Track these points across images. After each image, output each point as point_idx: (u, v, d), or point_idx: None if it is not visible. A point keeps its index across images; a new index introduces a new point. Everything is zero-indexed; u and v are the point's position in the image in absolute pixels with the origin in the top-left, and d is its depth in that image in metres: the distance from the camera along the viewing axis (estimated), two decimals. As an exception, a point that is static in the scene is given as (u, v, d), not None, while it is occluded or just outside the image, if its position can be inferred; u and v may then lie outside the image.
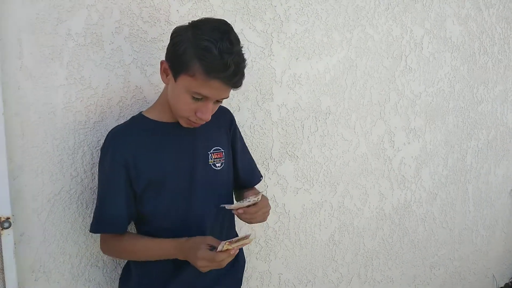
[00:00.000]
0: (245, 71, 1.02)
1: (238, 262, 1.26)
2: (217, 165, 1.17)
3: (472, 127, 2.46)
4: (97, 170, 1.12)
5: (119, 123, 1.23)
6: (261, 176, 1.37)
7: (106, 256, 1.27)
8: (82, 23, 1.15)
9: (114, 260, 1.28)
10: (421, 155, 2.18)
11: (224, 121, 1.24)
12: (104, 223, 1.09)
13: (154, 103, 1.16)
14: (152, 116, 1.12)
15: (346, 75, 1.79)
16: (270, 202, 1.62)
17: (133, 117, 1.15)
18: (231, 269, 1.22)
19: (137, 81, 1.26)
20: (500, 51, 2.54)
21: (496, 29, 2.49)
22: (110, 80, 1.21)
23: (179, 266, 1.10)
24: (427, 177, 2.25)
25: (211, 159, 1.16)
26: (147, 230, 1.13)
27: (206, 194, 1.14)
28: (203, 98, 1.00)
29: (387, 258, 2.14)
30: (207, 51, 0.93)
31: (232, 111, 1.45)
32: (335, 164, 1.82)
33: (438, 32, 2.13)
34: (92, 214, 1.14)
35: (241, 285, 1.27)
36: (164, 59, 1.05)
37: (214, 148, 1.18)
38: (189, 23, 1.00)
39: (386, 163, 2.02)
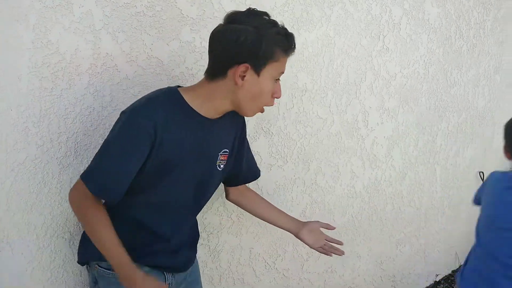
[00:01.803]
0: None
1: (196, 238, 1.34)
2: (221, 166, 1.22)
3: (444, 110, 2.51)
4: (119, 122, 1.05)
5: (88, 91, 1.19)
6: (260, 173, 1.47)
7: (74, 227, 1.24)
8: (50, -17, 1.09)
9: (81, 232, 1.26)
10: (393, 135, 2.22)
11: (237, 124, 1.28)
12: (104, 185, 1.04)
13: (197, 92, 1.11)
14: (191, 102, 1.10)
15: (324, 52, 1.77)
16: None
17: (170, 92, 1.10)
18: (194, 240, 1.32)
19: (108, 48, 1.20)
20: (475, 36, 2.58)
21: (473, 13, 2.51)
22: (79, 45, 1.15)
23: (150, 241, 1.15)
24: (398, 157, 2.29)
25: (218, 160, 1.20)
26: (130, 200, 1.10)
27: (202, 191, 1.21)
28: (278, 79, 1.11)
29: (355, 235, 2.19)
30: (278, 35, 1.05)
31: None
32: (309, 141, 1.83)
33: (417, 14, 2.13)
34: (88, 167, 1.06)
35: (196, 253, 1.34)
36: (228, 63, 1.05)
37: (223, 150, 1.21)
38: (227, 21, 1.06)
39: (359, 142, 2.04)
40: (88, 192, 1.04)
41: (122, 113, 1.06)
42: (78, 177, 1.20)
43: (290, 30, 1.61)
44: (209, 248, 1.61)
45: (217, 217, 1.60)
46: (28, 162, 1.14)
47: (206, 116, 1.12)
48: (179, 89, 1.11)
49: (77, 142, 1.20)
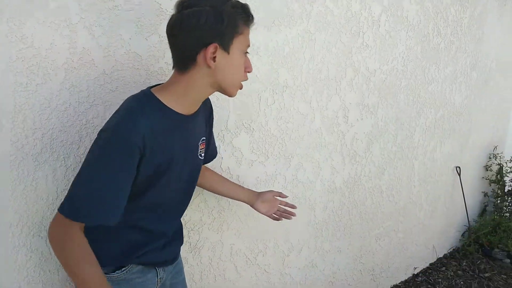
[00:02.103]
0: None
1: (180, 228, 1.33)
2: (202, 155, 1.23)
3: (422, 106, 2.55)
4: (100, 140, 0.97)
5: (64, 86, 1.16)
6: (217, 151, 1.49)
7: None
8: (23, -25, 1.05)
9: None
10: (373, 131, 2.25)
11: (207, 109, 1.28)
12: (94, 211, 0.96)
13: (169, 91, 1.06)
14: (168, 103, 1.05)
15: (305, 48, 1.78)
16: (224, 174, 1.63)
17: (147, 98, 1.04)
18: (180, 230, 1.32)
19: (85, 43, 1.18)
20: (452, 33, 2.63)
21: (450, 11, 2.56)
22: (54, 40, 1.12)
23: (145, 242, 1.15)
24: (377, 152, 2.33)
25: (199, 150, 1.21)
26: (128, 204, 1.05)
27: (190, 182, 1.22)
28: (246, 52, 1.09)
29: (336, 229, 2.22)
30: (235, 7, 1.02)
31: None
32: (290, 137, 1.84)
33: (396, 11, 2.16)
34: (68, 192, 0.97)
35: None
36: (196, 48, 1.01)
37: (202, 139, 1.22)
38: (180, 9, 1.01)
39: (339, 138, 2.06)
40: (70, 224, 0.96)
41: (102, 131, 0.98)
42: (52, 174, 1.19)
43: (270, 26, 1.63)
44: (190, 244, 1.60)
45: (198, 214, 1.60)
46: (2, 159, 1.11)
47: (184, 113, 1.09)
48: (152, 90, 1.06)
49: (53, 139, 1.17)
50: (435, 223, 3.05)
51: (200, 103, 1.14)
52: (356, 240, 2.38)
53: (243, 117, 1.64)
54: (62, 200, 0.97)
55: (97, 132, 0.99)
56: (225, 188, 1.52)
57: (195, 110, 1.13)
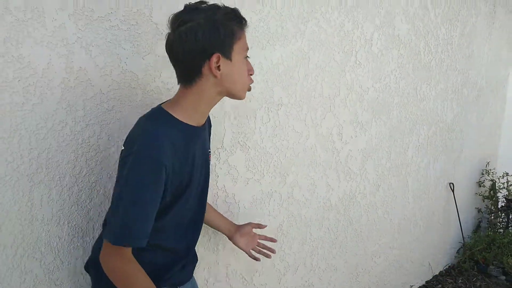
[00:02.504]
0: None
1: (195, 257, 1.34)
2: (211, 166, 1.29)
3: (414, 123, 2.58)
4: (127, 165, 0.98)
5: (61, 106, 1.16)
6: None
7: (45, 246, 1.20)
8: (21, -4, 1.06)
9: (53, 251, 1.21)
10: (367, 148, 2.26)
11: (207, 121, 1.27)
12: (133, 233, 0.98)
13: (180, 105, 1.08)
14: (181, 118, 1.07)
15: (299, 67, 1.80)
16: (220, 192, 1.62)
17: (163, 116, 1.06)
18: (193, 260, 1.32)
19: (81, 62, 1.18)
20: (443, 51, 2.68)
21: (441, 29, 2.62)
22: (51, 59, 1.13)
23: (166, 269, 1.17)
24: (372, 169, 2.34)
25: (209, 161, 1.25)
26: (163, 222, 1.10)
27: (204, 195, 1.25)
28: (247, 57, 1.12)
29: (331, 247, 2.20)
30: (227, 14, 1.04)
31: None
32: (285, 155, 1.84)
33: (387, 30, 2.20)
34: (108, 221, 1.01)
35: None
36: (200, 60, 1.03)
37: (208, 151, 1.25)
38: (174, 27, 1.03)
39: (334, 155, 2.07)
40: (121, 249, 1.00)
41: (128, 156, 0.99)
42: (48, 194, 1.18)
43: (265, 45, 1.65)
44: None
45: (194, 233, 1.58)
46: (-4, 180, 1.10)
47: (195, 125, 1.11)
48: (164, 107, 1.08)
49: (48, 158, 1.16)
50: (430, 239, 3.05)
51: (208, 114, 1.16)
52: (352, 258, 2.37)
53: (239, 135, 1.64)
54: (104, 232, 1.02)
55: (123, 158, 1.02)
56: (206, 215, 1.42)
57: (204, 121, 1.15)
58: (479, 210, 3.67)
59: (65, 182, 1.21)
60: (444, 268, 3.32)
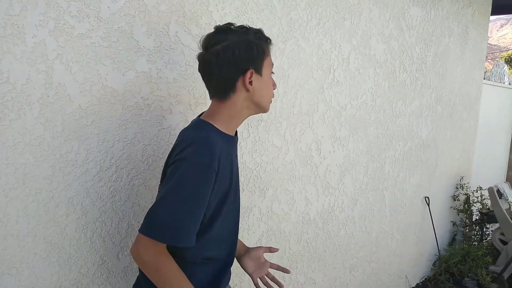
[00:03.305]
0: (180, 74, 1.41)
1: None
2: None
3: (391, 139, 2.65)
4: (180, 168, 1.03)
5: (39, 121, 1.16)
6: None
7: (20, 263, 1.18)
8: (2, 13, 1.07)
9: (29, 268, 1.20)
10: (345, 163, 2.31)
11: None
12: (178, 232, 1.01)
13: (217, 117, 1.16)
14: (220, 128, 1.16)
15: (279, 84, 1.84)
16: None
17: (208, 127, 1.13)
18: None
19: (61, 78, 1.19)
20: (417, 70, 2.78)
21: (415, 49, 2.71)
22: (30, 75, 1.13)
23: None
24: (350, 183, 2.38)
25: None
26: (204, 236, 1.12)
27: (239, 204, 1.28)
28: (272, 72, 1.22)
29: (310, 261, 2.23)
30: (256, 34, 1.15)
31: (163, 114, 1.44)
32: (265, 170, 1.87)
33: (364, 49, 2.27)
34: (151, 216, 1.02)
35: None
36: (230, 75, 1.13)
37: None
38: (208, 46, 1.13)
39: (313, 170, 2.11)
40: (161, 246, 1.03)
41: (181, 160, 1.04)
42: (24, 210, 1.17)
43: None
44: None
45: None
46: (-30, 195, 1.09)
47: (232, 135, 1.20)
48: (204, 119, 1.17)
49: (25, 173, 1.16)
50: (406, 252, 3.11)
51: (238, 126, 1.23)
52: (331, 272, 2.39)
53: (218, 151, 1.66)
54: (143, 225, 1.03)
55: (174, 162, 1.06)
56: None
57: (234, 132, 1.23)
58: (454, 224, 3.76)
59: (41, 197, 1.20)
60: (421, 281, 3.38)
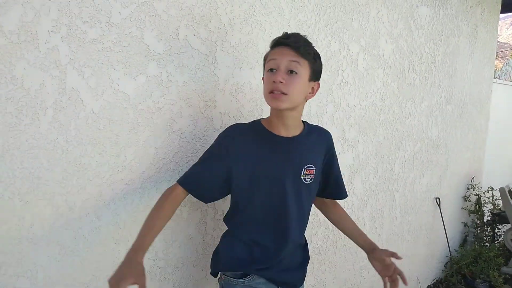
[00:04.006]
0: (190, 77, 1.48)
1: (306, 260, 1.53)
2: (307, 179, 1.39)
3: (400, 139, 2.64)
4: (214, 140, 1.37)
5: (52, 126, 1.18)
6: (347, 195, 1.62)
7: (34, 265, 1.20)
8: (16, 20, 1.09)
9: (43, 270, 1.21)
10: (354, 164, 2.30)
11: (323, 144, 1.48)
12: (194, 182, 1.32)
13: (268, 118, 1.38)
14: (267, 127, 1.36)
15: (287, 86, 1.84)
16: (209, 209, 1.64)
17: (253, 121, 1.41)
18: (300, 265, 1.51)
19: (74, 83, 1.21)
20: (427, 70, 2.76)
21: (424, 49, 2.70)
22: (44, 80, 1.15)
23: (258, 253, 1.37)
24: (359, 185, 2.37)
25: (303, 174, 1.37)
26: (240, 217, 1.38)
27: (294, 201, 1.37)
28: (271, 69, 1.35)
29: (320, 263, 2.22)
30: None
31: (173, 117, 1.45)
32: (274, 172, 1.87)
33: (372, 50, 2.26)
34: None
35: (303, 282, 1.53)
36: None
37: (308, 165, 1.38)
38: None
39: (322, 172, 2.10)
40: (176, 187, 1.31)
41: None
42: (38, 214, 1.18)
43: (254, 65, 1.69)
44: (174, 282, 1.59)
45: (182, 250, 1.59)
46: (-14, 199, 1.10)
47: (284, 135, 1.35)
48: (261, 120, 1.40)
49: (39, 177, 1.18)
50: (417, 254, 3.09)
51: (289, 127, 1.36)
52: (341, 273, 2.38)
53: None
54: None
55: None
56: (351, 232, 1.60)
57: (292, 134, 1.37)
58: (465, 224, 3.73)
59: (55, 201, 1.22)
60: (432, 282, 3.35)
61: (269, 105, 1.31)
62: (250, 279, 1.36)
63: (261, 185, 1.33)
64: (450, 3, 2.93)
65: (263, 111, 1.76)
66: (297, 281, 1.47)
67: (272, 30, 1.73)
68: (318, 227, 2.16)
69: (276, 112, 1.33)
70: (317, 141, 1.44)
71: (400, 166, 2.69)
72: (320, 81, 1.99)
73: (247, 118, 1.71)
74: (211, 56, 1.54)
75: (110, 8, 1.26)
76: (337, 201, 1.64)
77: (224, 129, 1.38)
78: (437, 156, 3.07)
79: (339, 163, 1.58)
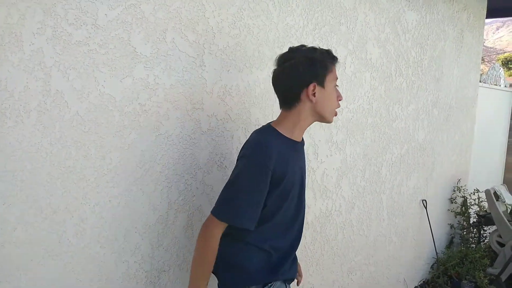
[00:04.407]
0: (177, 80, 1.48)
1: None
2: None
3: (387, 142, 2.66)
4: (241, 164, 1.31)
5: (36, 128, 1.16)
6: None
7: (17, 269, 1.18)
8: (1, 22, 1.07)
9: (27, 274, 1.20)
10: (342, 167, 2.32)
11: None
12: (236, 215, 1.28)
13: (283, 124, 1.38)
14: (284, 133, 1.37)
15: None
16: (197, 212, 1.63)
17: (269, 130, 1.38)
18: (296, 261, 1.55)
19: (59, 85, 1.20)
20: (413, 73, 2.79)
21: (411, 53, 2.73)
22: (28, 83, 1.14)
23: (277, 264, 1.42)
24: (347, 187, 2.39)
25: (306, 171, 1.49)
26: (265, 226, 1.36)
27: (301, 200, 1.47)
28: (337, 85, 1.40)
29: (308, 265, 2.23)
30: (322, 53, 1.35)
31: (160, 120, 1.45)
32: (261, 174, 1.87)
33: (360, 54, 2.28)
34: (217, 201, 1.32)
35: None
36: (294, 89, 1.34)
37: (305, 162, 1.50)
38: (281, 63, 1.37)
39: (310, 174, 2.11)
40: (218, 226, 1.29)
41: (241, 158, 1.34)
42: (21, 217, 1.17)
43: (242, 68, 1.70)
44: (160, 286, 1.58)
45: (169, 253, 1.58)
46: (-32, 202, 1.09)
47: (296, 140, 1.39)
48: (271, 125, 1.39)
49: (22, 180, 1.16)
50: (404, 255, 3.11)
51: (304, 132, 1.42)
52: (329, 275, 2.39)
53: (215, 155, 1.67)
54: (213, 207, 1.32)
55: (238, 159, 1.38)
56: None
57: (301, 138, 1.43)
58: (451, 226, 3.77)
59: (38, 204, 1.20)
60: (419, 284, 3.38)
61: (329, 121, 1.41)
62: (271, 287, 1.40)
63: (290, 191, 1.37)
64: (437, 8, 2.97)
65: (251, 114, 1.77)
66: (295, 273, 1.54)
67: (260, 34, 1.74)
68: (306, 229, 2.15)
69: (310, 122, 1.40)
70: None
71: (387, 169, 2.71)
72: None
73: (234, 121, 1.71)
74: (198, 59, 1.54)
75: (96, 10, 1.25)
76: None
77: (254, 148, 1.32)
78: (424, 158, 3.10)
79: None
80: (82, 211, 1.30)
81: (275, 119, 1.44)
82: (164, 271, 1.57)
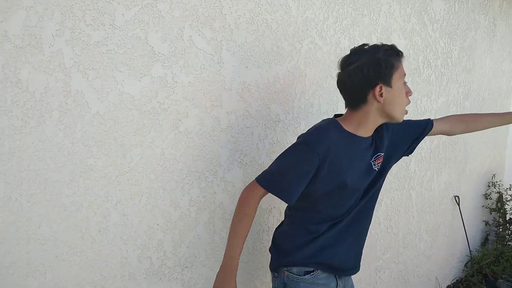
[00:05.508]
0: (196, 77, 1.48)
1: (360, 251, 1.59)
2: (378, 167, 1.46)
3: (416, 137, 2.57)
4: (293, 144, 1.35)
5: (58, 128, 1.19)
6: (429, 120, 1.65)
7: (42, 265, 1.22)
8: (20, 25, 1.11)
9: (52, 270, 1.23)
10: (368, 162, 2.26)
11: (381, 132, 1.46)
12: (278, 186, 1.32)
13: (348, 121, 1.37)
14: (347, 128, 1.36)
15: (296, 84, 1.82)
16: (218, 209, 1.64)
17: (332, 122, 1.37)
18: (359, 251, 1.58)
19: (78, 86, 1.22)
20: (443, 65, 2.69)
21: (439, 43, 2.63)
22: (49, 84, 1.17)
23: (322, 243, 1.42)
24: (373, 184, 2.33)
25: (374, 165, 1.44)
26: (312, 209, 1.41)
27: (366, 195, 1.45)
28: (405, 81, 1.36)
29: (334, 263, 2.19)
30: (386, 51, 1.30)
31: (179, 118, 1.45)
32: (283, 171, 1.85)
33: (384, 45, 2.22)
34: (264, 171, 1.37)
35: None
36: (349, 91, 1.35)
37: (377, 155, 1.44)
38: (345, 66, 1.34)
39: (333, 170, 2.08)
40: (259, 191, 1.34)
41: (298, 138, 1.38)
42: (47, 215, 1.20)
43: (261, 64, 1.68)
44: (183, 282, 1.59)
45: (191, 250, 1.59)
46: (-5, 201, 1.13)
47: (362, 136, 1.37)
48: (336, 119, 1.39)
49: (46, 179, 1.20)
50: (436, 253, 3.02)
51: (373, 130, 1.41)
52: (356, 273, 2.34)
53: (236, 152, 1.66)
54: (259, 175, 1.36)
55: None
56: (489, 122, 1.77)
57: (368, 134, 1.39)
58: (486, 223, 3.62)
59: (62, 202, 1.23)
60: (452, 282, 3.27)
61: (398, 120, 1.37)
62: (314, 276, 1.41)
63: (346, 186, 1.35)
64: (467, -4, 2.85)
65: (271, 110, 1.75)
66: (350, 270, 1.55)
67: (279, 28, 1.72)
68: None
69: (378, 121, 1.38)
70: (377, 134, 1.46)
71: (416, 164, 2.63)
72: (330, 78, 1.98)
73: (254, 117, 1.70)
74: (216, 56, 1.53)
75: (113, 10, 1.27)
76: (449, 116, 1.76)
77: (311, 131, 1.37)
78: (455, 153, 2.99)
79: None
80: (105, 208, 1.33)
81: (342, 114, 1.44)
82: (186, 267, 1.58)
